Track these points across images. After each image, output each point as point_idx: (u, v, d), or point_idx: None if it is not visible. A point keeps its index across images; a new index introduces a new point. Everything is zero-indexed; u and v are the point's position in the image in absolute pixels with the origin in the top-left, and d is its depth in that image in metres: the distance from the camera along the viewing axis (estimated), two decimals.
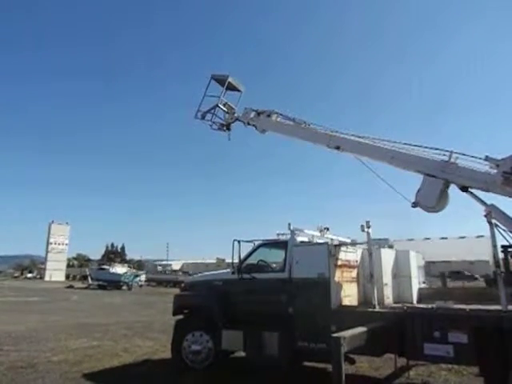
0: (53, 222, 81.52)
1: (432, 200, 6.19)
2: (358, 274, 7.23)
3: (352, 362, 6.68)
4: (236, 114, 9.35)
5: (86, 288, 44.54)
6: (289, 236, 7.21)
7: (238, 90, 9.74)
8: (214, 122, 9.54)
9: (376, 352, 6.18)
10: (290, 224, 7.17)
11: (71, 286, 47.51)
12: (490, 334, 5.23)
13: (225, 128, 9.55)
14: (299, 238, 7.31)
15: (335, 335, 4.71)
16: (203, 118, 9.54)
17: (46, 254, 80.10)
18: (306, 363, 7.48)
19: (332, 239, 7.71)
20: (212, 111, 9.48)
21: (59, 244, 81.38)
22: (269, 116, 8.66)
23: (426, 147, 6.52)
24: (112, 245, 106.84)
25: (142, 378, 7.28)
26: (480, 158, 5.93)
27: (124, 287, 43.78)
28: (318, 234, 7.77)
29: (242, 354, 7.40)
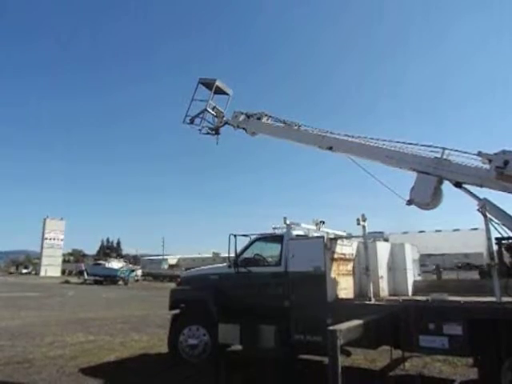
0: (48, 217, 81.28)
1: (426, 197, 6.21)
2: (353, 267, 7.26)
3: (348, 354, 6.75)
4: (225, 118, 9.29)
5: (81, 283, 44.50)
6: (284, 230, 7.23)
7: (226, 94, 9.70)
8: (203, 127, 9.45)
9: (372, 344, 6.21)
10: (285, 218, 7.18)
11: (67, 282, 47.42)
12: (484, 326, 5.28)
13: (214, 132, 9.47)
14: (295, 232, 7.33)
15: (331, 328, 4.73)
16: (192, 122, 9.45)
17: (41, 250, 79.88)
18: (303, 356, 7.54)
19: (328, 233, 7.73)
20: (201, 116, 9.39)
21: (54, 239, 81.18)
22: (259, 118, 8.60)
23: (417, 144, 6.54)
24: (108, 240, 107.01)
25: (139, 373, 7.28)
26: (472, 154, 5.95)
27: (120, 282, 43.72)
28: (313, 227, 7.80)
29: (239, 347, 7.44)
